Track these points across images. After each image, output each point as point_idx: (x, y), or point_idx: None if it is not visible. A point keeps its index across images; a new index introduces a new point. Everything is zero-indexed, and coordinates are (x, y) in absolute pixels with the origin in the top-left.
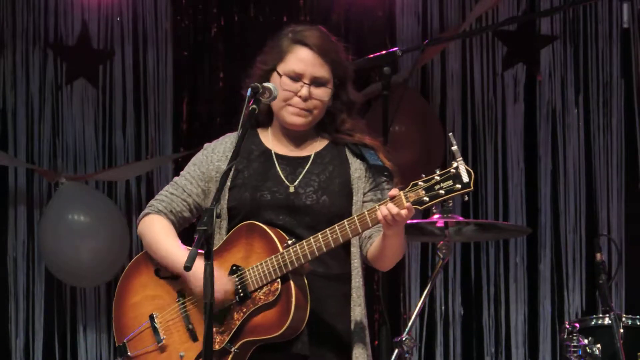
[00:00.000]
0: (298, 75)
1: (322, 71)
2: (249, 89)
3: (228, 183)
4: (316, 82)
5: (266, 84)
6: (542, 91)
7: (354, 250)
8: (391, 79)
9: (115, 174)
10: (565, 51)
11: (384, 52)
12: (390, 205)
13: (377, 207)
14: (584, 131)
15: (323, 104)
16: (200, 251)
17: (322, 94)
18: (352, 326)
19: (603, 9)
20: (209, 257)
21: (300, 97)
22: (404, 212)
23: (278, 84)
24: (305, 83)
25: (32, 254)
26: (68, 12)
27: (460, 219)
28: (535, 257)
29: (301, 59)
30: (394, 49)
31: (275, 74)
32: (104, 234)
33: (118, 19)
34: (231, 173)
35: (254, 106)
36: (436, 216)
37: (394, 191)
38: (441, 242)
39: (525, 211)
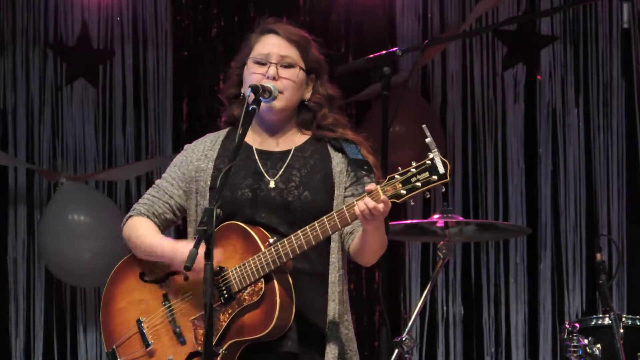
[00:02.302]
0: (265, 56)
1: (289, 51)
2: (249, 89)
3: (209, 183)
4: (284, 62)
5: (266, 84)
6: (542, 91)
7: (333, 246)
8: (391, 79)
9: (115, 174)
10: (565, 51)
11: (384, 52)
12: (367, 199)
13: (354, 202)
14: (584, 131)
15: (294, 84)
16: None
17: (291, 74)
18: (327, 322)
19: (603, 9)
20: (208, 257)
21: (268, 77)
22: (380, 206)
23: (247, 72)
24: (272, 62)
25: (32, 254)
26: (68, 12)
27: (460, 219)
28: (535, 257)
29: (267, 43)
30: (394, 49)
31: (245, 67)
32: (104, 234)
33: (118, 19)
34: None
35: (254, 106)
36: (436, 216)
37: (371, 185)
38: (441, 242)
39: (525, 211)
